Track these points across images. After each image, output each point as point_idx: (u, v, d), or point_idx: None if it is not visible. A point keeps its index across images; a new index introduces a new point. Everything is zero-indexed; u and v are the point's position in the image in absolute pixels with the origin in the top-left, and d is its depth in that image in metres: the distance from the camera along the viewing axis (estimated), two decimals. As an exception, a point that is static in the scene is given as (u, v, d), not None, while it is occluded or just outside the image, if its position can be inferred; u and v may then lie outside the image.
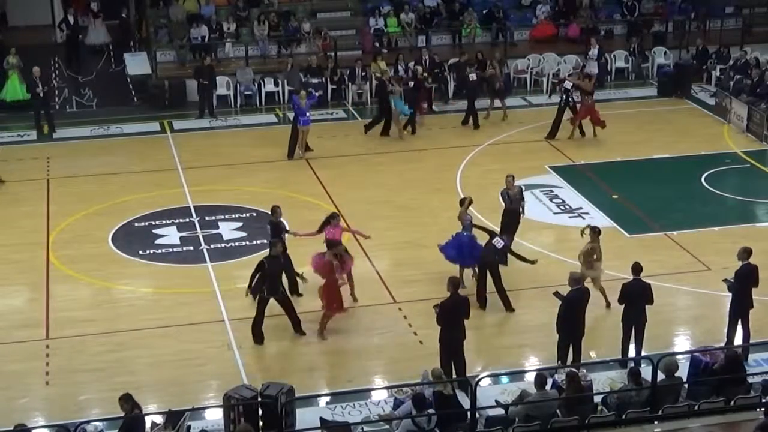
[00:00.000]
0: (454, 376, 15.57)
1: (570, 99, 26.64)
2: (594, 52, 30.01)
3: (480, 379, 14.92)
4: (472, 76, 28.28)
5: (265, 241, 20.87)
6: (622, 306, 16.52)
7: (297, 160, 25.35)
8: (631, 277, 16.54)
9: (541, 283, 18.60)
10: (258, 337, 17.36)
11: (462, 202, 19.14)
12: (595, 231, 18.15)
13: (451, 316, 15.82)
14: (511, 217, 19.87)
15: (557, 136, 26.61)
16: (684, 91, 30.29)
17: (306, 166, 25.11)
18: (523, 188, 20.59)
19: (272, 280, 17.21)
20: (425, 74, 28.47)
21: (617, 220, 22.03)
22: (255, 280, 17.28)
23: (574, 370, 14.73)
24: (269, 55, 31.36)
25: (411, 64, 29.15)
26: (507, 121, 28.04)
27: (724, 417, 13.40)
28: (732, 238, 20.46)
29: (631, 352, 16.48)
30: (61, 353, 17.18)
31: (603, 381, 15.77)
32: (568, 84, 26.76)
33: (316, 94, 27.18)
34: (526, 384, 15.27)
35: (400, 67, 29.40)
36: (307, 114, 25.15)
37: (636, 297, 16.35)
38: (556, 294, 16.50)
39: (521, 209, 19.99)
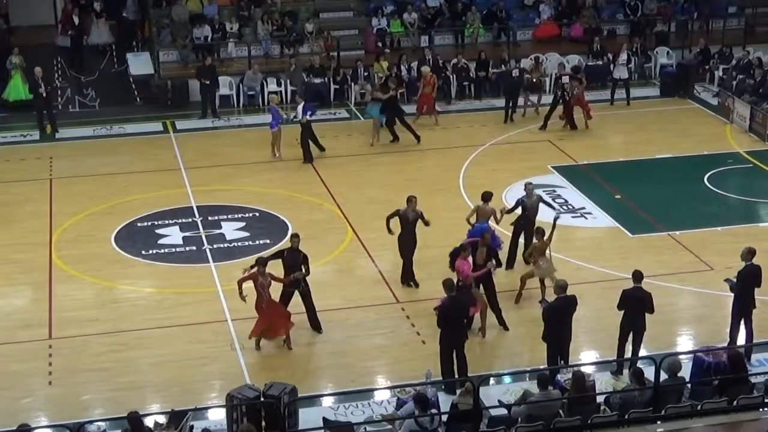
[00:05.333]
0: (457, 377, 15.59)
1: (566, 93, 26.80)
2: (624, 57, 29.81)
3: (483, 380, 14.91)
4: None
5: (268, 241, 20.92)
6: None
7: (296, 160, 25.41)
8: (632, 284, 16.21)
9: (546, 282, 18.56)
10: (316, 328, 17.62)
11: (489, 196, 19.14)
12: (539, 232, 18.09)
13: (451, 318, 15.81)
14: (524, 224, 19.55)
15: (548, 128, 27.21)
16: (687, 91, 30.27)
17: (308, 166, 25.09)
18: (542, 196, 20.15)
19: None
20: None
21: (620, 220, 22.01)
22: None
23: (582, 370, 14.73)
24: (272, 55, 31.36)
25: (414, 64, 29.14)
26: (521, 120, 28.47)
27: (727, 417, 13.37)
28: (735, 238, 20.47)
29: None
30: (64, 353, 17.19)
31: (606, 381, 15.79)
32: (566, 78, 27.13)
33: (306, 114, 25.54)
34: (529, 384, 15.27)
35: (403, 67, 29.39)
36: (280, 119, 25.14)
37: (635, 305, 16.03)
38: (543, 302, 16.51)
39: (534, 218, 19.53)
